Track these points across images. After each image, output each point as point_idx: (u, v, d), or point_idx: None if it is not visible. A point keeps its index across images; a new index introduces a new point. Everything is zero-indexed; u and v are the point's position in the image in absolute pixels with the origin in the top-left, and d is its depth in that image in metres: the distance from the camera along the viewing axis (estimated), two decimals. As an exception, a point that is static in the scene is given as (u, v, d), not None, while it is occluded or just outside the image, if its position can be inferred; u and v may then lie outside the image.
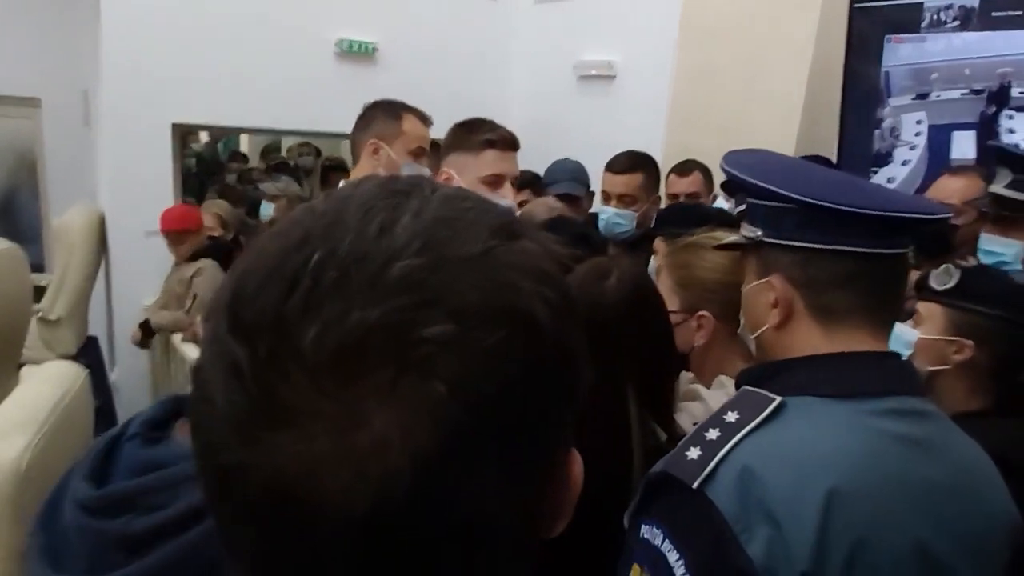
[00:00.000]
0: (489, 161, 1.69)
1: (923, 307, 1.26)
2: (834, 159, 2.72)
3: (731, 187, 2.33)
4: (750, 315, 0.95)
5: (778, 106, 2.82)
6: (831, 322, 0.88)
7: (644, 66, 3.66)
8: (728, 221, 1.65)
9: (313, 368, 0.31)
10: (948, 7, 2.18)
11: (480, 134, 1.72)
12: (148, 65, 3.16)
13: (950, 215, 0.86)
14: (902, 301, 0.93)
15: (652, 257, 1.99)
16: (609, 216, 2.33)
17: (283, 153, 5.94)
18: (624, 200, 2.33)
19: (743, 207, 1.10)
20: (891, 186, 2.64)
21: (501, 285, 0.34)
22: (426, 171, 1.89)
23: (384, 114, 1.88)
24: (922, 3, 2.24)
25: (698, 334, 1.17)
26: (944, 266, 1.28)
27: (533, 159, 3.65)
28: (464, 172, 1.70)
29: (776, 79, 2.80)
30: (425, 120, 1.91)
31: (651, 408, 1.02)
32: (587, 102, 4.08)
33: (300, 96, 3.55)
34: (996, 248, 1.57)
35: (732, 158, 0.98)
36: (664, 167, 2.92)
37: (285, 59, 3.51)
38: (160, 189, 3.31)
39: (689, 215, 1.86)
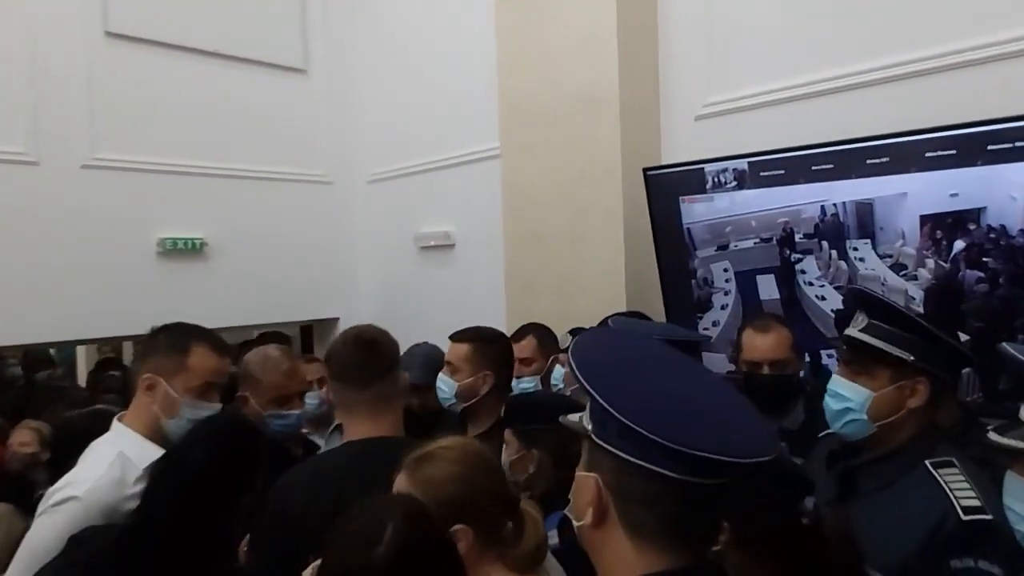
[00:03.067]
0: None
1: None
2: (663, 309, 2.83)
3: None
4: (575, 501, 0.90)
5: (603, 266, 2.93)
6: (640, 539, 0.83)
7: (479, 235, 3.77)
8: (574, 408, 1.59)
9: None
10: (724, 171, 2.40)
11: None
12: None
13: (769, 457, 0.80)
14: (716, 527, 0.89)
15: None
16: (438, 380, 2.33)
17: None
18: (449, 367, 2.31)
19: None
20: (716, 329, 2.77)
21: None
22: (215, 407, 1.70)
23: (168, 345, 1.69)
24: (703, 168, 2.47)
25: (460, 545, 1.08)
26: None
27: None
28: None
29: (596, 241, 2.94)
30: (221, 349, 1.75)
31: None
32: (430, 271, 4.13)
33: (121, 298, 3.35)
34: (844, 392, 1.51)
35: (584, 342, 0.93)
36: (509, 331, 2.91)
37: (96, 265, 3.34)
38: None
39: (537, 410, 1.77)
